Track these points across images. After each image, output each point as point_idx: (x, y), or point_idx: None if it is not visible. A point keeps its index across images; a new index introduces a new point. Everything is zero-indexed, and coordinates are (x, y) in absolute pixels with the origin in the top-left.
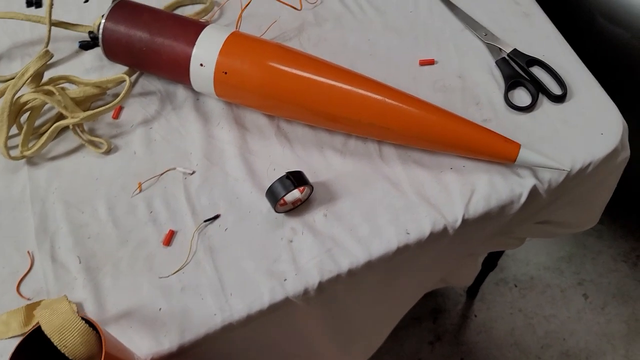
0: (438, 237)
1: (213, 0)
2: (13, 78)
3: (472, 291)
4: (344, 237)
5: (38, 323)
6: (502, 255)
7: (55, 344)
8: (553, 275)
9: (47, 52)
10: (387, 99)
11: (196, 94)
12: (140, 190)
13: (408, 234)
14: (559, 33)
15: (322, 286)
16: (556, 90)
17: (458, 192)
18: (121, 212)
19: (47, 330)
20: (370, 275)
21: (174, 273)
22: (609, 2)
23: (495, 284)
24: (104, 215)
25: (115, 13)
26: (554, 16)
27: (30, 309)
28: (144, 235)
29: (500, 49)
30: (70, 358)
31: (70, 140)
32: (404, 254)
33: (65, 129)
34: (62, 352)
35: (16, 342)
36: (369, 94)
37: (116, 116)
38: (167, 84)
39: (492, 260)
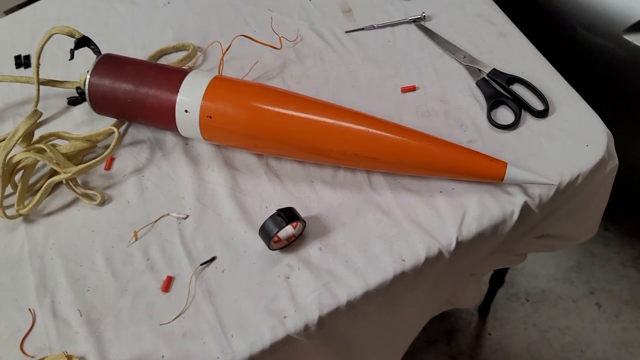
0: (434, 262)
1: (195, 47)
2: (4, 139)
3: (484, 309)
4: (340, 270)
5: None
6: (511, 270)
7: None
8: (564, 286)
9: (35, 111)
10: (369, 129)
11: (185, 139)
12: (136, 239)
13: (403, 261)
14: (535, 49)
15: (322, 320)
16: (538, 105)
17: (450, 215)
18: (119, 262)
19: None
20: (370, 305)
21: (175, 319)
22: (588, 14)
23: (507, 299)
24: (102, 267)
25: (99, 68)
26: (535, 30)
27: None
28: (142, 284)
29: (479, 70)
30: None
31: (64, 194)
32: (401, 281)
33: (59, 184)
34: None
35: None
36: (351, 125)
37: (108, 167)
38: (156, 132)
39: (499, 277)
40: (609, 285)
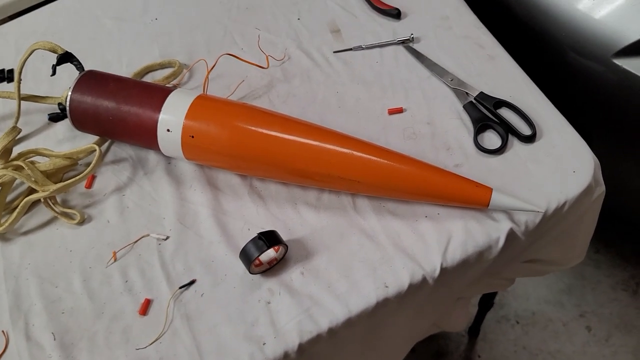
0: (418, 288)
1: (182, 64)
2: None
3: (474, 331)
4: (322, 295)
5: None
6: (501, 292)
7: None
8: (554, 308)
9: (14, 128)
10: (354, 152)
11: (168, 158)
12: (115, 260)
13: (387, 287)
14: (524, 73)
15: (302, 348)
16: (525, 130)
17: (434, 241)
18: (96, 283)
19: None
20: (353, 331)
21: (151, 344)
22: (578, 37)
23: (497, 321)
24: (79, 288)
25: (81, 84)
26: (525, 53)
27: None
28: (119, 306)
29: (467, 93)
30: None
31: (43, 213)
32: (384, 307)
33: (37, 202)
34: None
35: None
36: (336, 147)
37: (89, 185)
38: (139, 150)
39: (488, 299)
40: (600, 308)
